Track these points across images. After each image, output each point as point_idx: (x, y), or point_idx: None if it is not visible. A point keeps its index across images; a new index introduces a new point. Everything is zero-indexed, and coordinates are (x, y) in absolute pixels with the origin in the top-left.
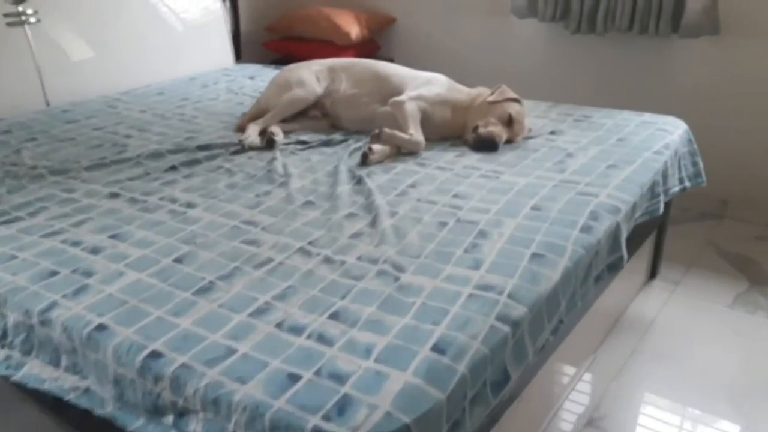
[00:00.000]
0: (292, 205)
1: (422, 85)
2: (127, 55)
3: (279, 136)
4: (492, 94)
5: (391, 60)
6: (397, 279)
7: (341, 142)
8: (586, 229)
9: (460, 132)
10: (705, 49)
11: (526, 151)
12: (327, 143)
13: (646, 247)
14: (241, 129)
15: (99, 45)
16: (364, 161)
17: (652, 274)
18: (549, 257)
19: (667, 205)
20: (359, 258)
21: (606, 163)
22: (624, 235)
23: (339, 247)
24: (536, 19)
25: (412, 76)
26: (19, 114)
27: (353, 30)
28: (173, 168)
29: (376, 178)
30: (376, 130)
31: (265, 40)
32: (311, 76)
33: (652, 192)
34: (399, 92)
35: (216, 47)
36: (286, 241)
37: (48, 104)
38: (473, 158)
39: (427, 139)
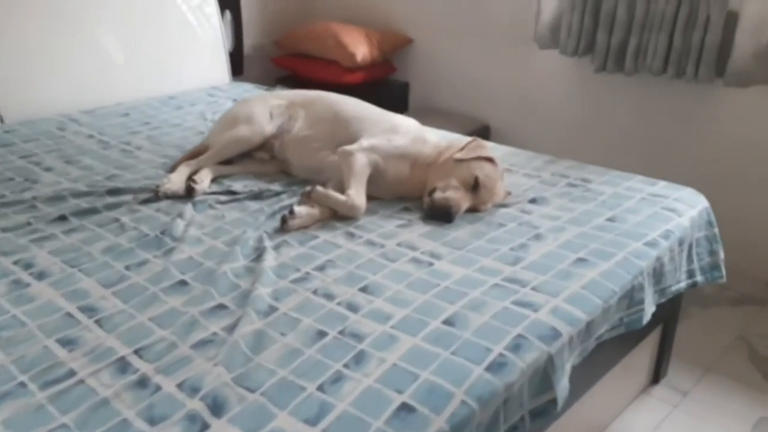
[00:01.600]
0: (157, 286)
1: (382, 133)
2: (101, 68)
3: (202, 184)
4: (461, 149)
5: (406, 85)
6: (204, 429)
7: (276, 194)
8: (496, 367)
9: (419, 192)
10: (754, 100)
11: (487, 226)
12: (258, 196)
13: (650, 341)
14: (174, 169)
15: (67, 55)
16: (283, 226)
17: (655, 377)
18: (421, 412)
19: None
20: (180, 385)
21: (576, 254)
22: (562, 369)
23: (170, 361)
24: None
25: (374, 119)
26: None
27: (360, 51)
28: (62, 218)
29: (284, 253)
30: (307, 188)
31: (274, 55)
32: (264, 111)
33: (629, 300)
34: (355, 138)
35: (208, 62)
36: (111, 345)
37: (2, 120)
38: (417, 231)
39: (377, 199)
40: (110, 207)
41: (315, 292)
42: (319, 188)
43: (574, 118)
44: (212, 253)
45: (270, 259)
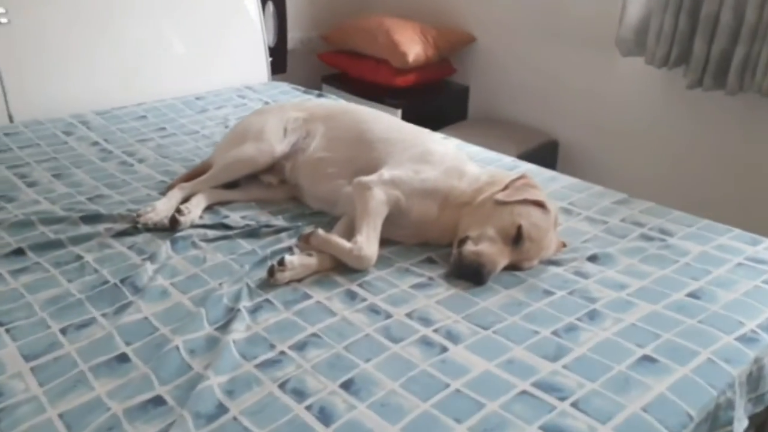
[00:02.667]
0: (89, 362)
1: (410, 162)
2: (125, 63)
3: (190, 215)
4: (505, 188)
5: (465, 89)
6: None
7: (276, 232)
8: None
9: (449, 237)
10: None
11: (528, 292)
12: (254, 233)
13: None
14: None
15: (88, 50)
16: (270, 279)
17: None
18: None
19: None
20: None
21: (642, 349)
22: None
23: None
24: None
25: (405, 144)
26: None
27: (413, 51)
28: (18, 252)
29: (262, 319)
30: (306, 230)
31: (321, 51)
32: (277, 126)
33: (711, 423)
34: (378, 166)
35: (244, 59)
36: None
37: (11, 119)
38: (437, 296)
39: (397, 243)
40: (77, 240)
41: (283, 385)
42: (320, 232)
43: (660, 142)
44: (174, 313)
45: (240, 329)
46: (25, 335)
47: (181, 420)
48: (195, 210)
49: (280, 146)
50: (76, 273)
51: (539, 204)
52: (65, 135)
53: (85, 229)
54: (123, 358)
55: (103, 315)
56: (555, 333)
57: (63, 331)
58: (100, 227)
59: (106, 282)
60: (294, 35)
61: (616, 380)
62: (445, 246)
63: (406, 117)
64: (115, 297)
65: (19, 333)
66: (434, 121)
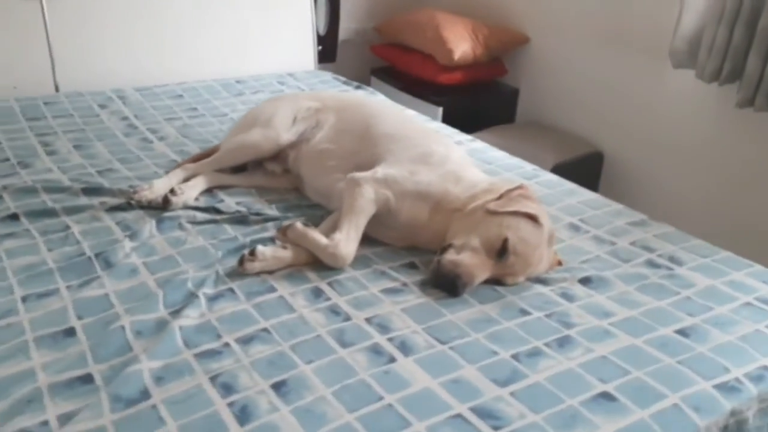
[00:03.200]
0: (36, 332)
1: (408, 161)
2: (171, 44)
3: (183, 196)
4: (499, 197)
5: (515, 91)
6: None
7: (265, 221)
8: None
9: (438, 243)
10: None
11: (503, 310)
12: (242, 220)
13: None
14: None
15: (134, 29)
16: (239, 268)
17: None
18: None
19: None
20: None
21: (604, 384)
22: None
23: None
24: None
25: (409, 142)
26: (21, 97)
27: (460, 48)
28: (13, 217)
29: (219, 307)
30: (285, 222)
31: (373, 43)
32: (287, 114)
33: None
34: (377, 162)
35: (291, 45)
36: None
37: (57, 89)
38: (405, 303)
39: (384, 244)
40: (71, 211)
41: (215, 378)
42: (298, 225)
43: (709, 162)
44: (134, 293)
45: (193, 315)
46: None
47: (96, 402)
48: (190, 191)
49: (286, 134)
50: (58, 243)
51: (531, 217)
52: (100, 108)
53: (82, 200)
54: (69, 332)
55: (68, 287)
56: (515, 356)
57: (24, 298)
58: (97, 200)
59: (82, 254)
60: (349, 25)
61: (562, 415)
62: (434, 251)
63: (446, 116)
64: (85, 270)
65: None
66: (477, 122)
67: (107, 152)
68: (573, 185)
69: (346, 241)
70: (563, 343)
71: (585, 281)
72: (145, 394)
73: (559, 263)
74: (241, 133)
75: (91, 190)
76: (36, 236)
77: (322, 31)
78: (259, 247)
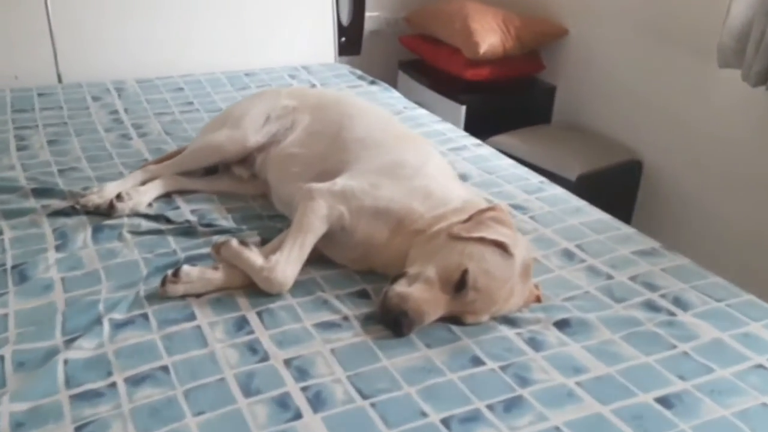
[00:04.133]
0: None
1: (374, 172)
2: (180, 34)
3: (129, 202)
4: (468, 219)
5: (552, 89)
6: None
7: (215, 233)
8: None
9: (398, 267)
10: None
11: (450, 357)
12: (189, 231)
13: None
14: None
15: (141, 18)
16: (161, 290)
17: None
18: None
19: None
20: None
21: None
22: None
23: None
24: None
25: (381, 150)
26: (17, 87)
27: (486, 41)
28: None
29: (122, 336)
30: (220, 239)
31: (403, 34)
32: (260, 113)
33: None
34: (342, 170)
35: (309, 36)
36: None
37: (60, 80)
38: (341, 341)
39: (338, 267)
40: (11, 214)
41: (79, 429)
42: (233, 243)
43: (760, 180)
44: (36, 315)
45: (87, 346)
46: None
47: None
48: (141, 197)
49: (255, 136)
50: None
51: (500, 245)
52: (93, 100)
53: (28, 203)
54: None
55: None
56: (446, 421)
57: None
58: (43, 203)
59: (1, 266)
60: (378, 15)
61: None
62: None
63: (471, 116)
64: None
65: None
66: (507, 122)
67: (78, 149)
68: (581, 203)
69: (285, 264)
70: (511, 406)
71: (562, 324)
72: None
73: (538, 299)
74: (209, 132)
75: (42, 191)
76: None
77: (345, 22)
78: (185, 267)
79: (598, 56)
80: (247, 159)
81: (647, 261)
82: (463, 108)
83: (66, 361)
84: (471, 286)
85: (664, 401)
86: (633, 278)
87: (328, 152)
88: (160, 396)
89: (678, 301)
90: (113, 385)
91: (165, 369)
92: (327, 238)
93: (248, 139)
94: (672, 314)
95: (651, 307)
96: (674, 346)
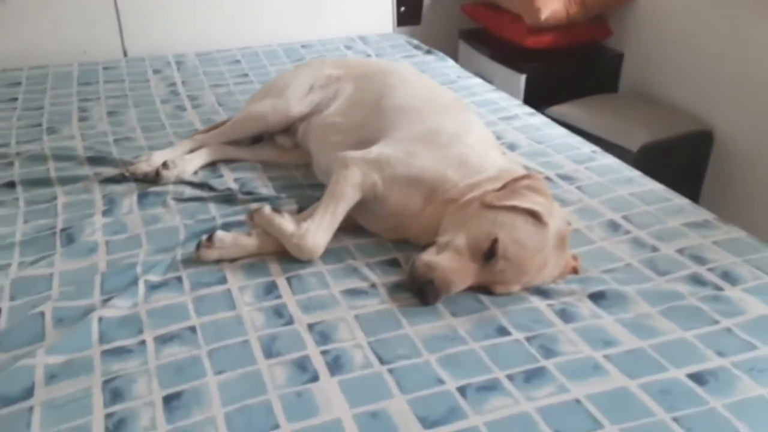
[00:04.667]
0: None
1: (410, 140)
2: (240, 7)
3: (175, 170)
4: (502, 187)
5: (619, 56)
6: None
7: (255, 200)
8: None
9: (431, 237)
10: None
11: (475, 326)
12: (230, 199)
13: None
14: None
15: None
16: (195, 254)
17: None
18: None
19: None
20: None
21: None
22: None
23: None
24: None
25: (418, 117)
26: (85, 62)
27: (548, 6)
28: (9, 185)
29: (156, 297)
30: (254, 205)
31: (464, 2)
32: (303, 83)
33: None
34: (380, 138)
35: (368, 6)
36: None
37: (126, 54)
38: (366, 308)
39: (372, 236)
40: (66, 181)
41: (108, 382)
42: (266, 209)
43: None
44: (79, 275)
45: (122, 306)
46: None
47: None
48: (186, 165)
49: (298, 106)
50: (37, 215)
51: (533, 214)
52: (153, 73)
53: (83, 170)
54: None
55: (20, 264)
56: (462, 389)
57: None
58: (97, 170)
59: (51, 229)
60: None
61: None
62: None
63: (530, 85)
64: (45, 246)
65: None
66: (571, 91)
67: (135, 120)
68: (634, 173)
69: (316, 231)
70: (532, 376)
71: (597, 297)
72: (28, 393)
73: (575, 271)
74: (255, 102)
75: (96, 160)
76: (20, 206)
77: None
78: (218, 233)
79: (668, 21)
80: (290, 128)
81: (698, 233)
82: (523, 77)
83: (101, 319)
84: (501, 255)
85: (696, 377)
86: (680, 251)
87: (367, 121)
88: (185, 355)
89: (727, 275)
90: (143, 342)
91: (193, 329)
92: (361, 206)
93: (291, 108)
94: (719, 288)
95: (696, 280)
96: (717, 322)
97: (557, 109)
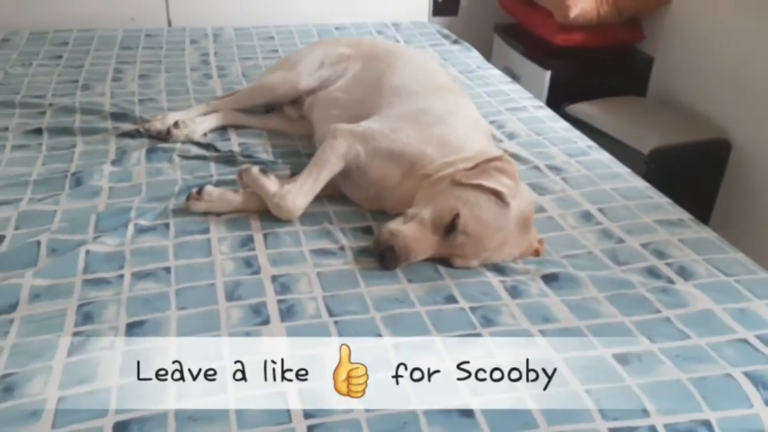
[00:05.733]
0: None
1: (398, 117)
2: None
3: (185, 130)
4: (474, 167)
5: (649, 60)
6: None
7: (254, 164)
8: None
9: (406, 208)
10: None
11: (426, 293)
12: (230, 160)
13: None
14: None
15: None
16: (185, 205)
17: None
18: None
19: None
20: None
21: (457, 400)
22: None
23: None
24: None
25: (409, 98)
26: (130, 28)
27: (578, 5)
28: (37, 131)
29: (141, 239)
30: (244, 165)
31: None
32: (314, 59)
33: None
34: (373, 115)
35: None
36: None
37: (170, 24)
38: (328, 266)
39: (353, 205)
40: (87, 132)
41: (83, 306)
42: (254, 169)
43: None
44: (79, 214)
45: (110, 243)
46: None
47: None
48: (196, 126)
49: (307, 79)
50: (55, 159)
51: (497, 194)
52: (190, 43)
53: (105, 124)
54: None
55: (30, 200)
56: (395, 345)
57: None
58: (117, 125)
59: (64, 172)
60: None
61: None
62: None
63: (555, 81)
64: (55, 187)
65: None
66: (596, 92)
67: (163, 84)
68: (623, 170)
69: (296, 193)
70: (464, 341)
71: (550, 278)
72: (12, 308)
73: (537, 253)
74: (269, 74)
75: (119, 116)
76: (42, 151)
77: None
78: (207, 187)
79: (700, 28)
80: (298, 100)
81: (668, 230)
82: (548, 73)
83: (88, 252)
84: (461, 230)
85: (621, 358)
86: (645, 245)
87: (365, 98)
88: (155, 290)
89: (683, 271)
90: (121, 276)
91: (167, 270)
92: (344, 176)
93: (300, 81)
94: (671, 282)
95: (651, 273)
96: (658, 311)
97: (576, 107)
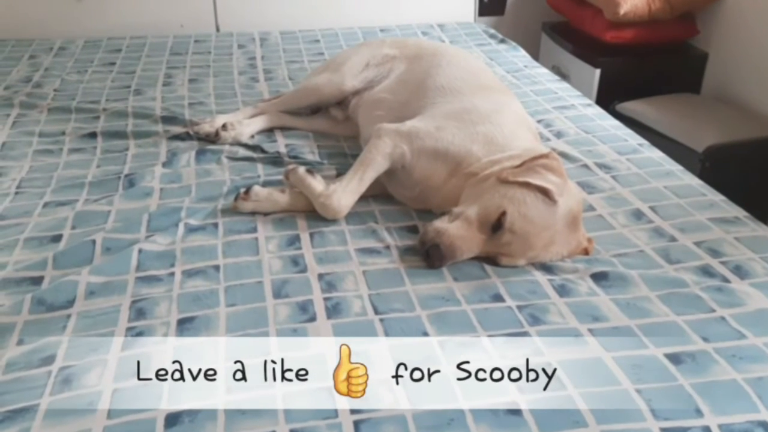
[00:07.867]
0: (26, 234)
1: (443, 116)
2: None
3: (232, 132)
4: (520, 165)
5: (704, 56)
6: None
7: (301, 164)
8: None
9: (452, 207)
10: None
11: (473, 291)
12: (277, 161)
13: None
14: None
15: None
16: (233, 205)
17: None
18: None
19: None
20: None
21: (504, 397)
22: None
23: None
24: None
25: (454, 97)
26: (180, 34)
27: (628, 2)
28: (91, 135)
29: (191, 238)
30: (290, 165)
31: None
32: (361, 60)
33: None
34: (418, 115)
35: None
36: None
37: (218, 29)
38: (373, 264)
39: (399, 204)
40: (140, 135)
41: (135, 303)
42: (300, 169)
43: None
44: (132, 214)
45: (162, 242)
46: (20, 200)
47: (19, 301)
48: (244, 128)
49: (352, 81)
50: (109, 161)
51: (544, 192)
52: (238, 48)
53: (156, 127)
54: (56, 239)
55: (86, 200)
56: (441, 343)
57: (45, 204)
58: (169, 128)
59: (118, 174)
60: None
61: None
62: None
63: (605, 80)
64: (108, 188)
65: (19, 198)
66: (649, 90)
67: (211, 87)
68: (675, 167)
69: (342, 193)
70: (512, 339)
71: (599, 277)
72: (69, 304)
73: (585, 252)
74: (314, 75)
75: (169, 119)
76: (97, 153)
77: None
78: (255, 187)
79: (755, 22)
80: (343, 102)
81: (722, 228)
82: (598, 71)
83: (141, 251)
84: (508, 228)
85: (673, 357)
86: (698, 243)
87: (410, 99)
88: (205, 288)
89: (738, 270)
90: (172, 274)
91: (217, 268)
92: (390, 175)
93: (345, 83)
94: (726, 281)
95: (705, 272)
96: (712, 310)
97: (627, 105)
